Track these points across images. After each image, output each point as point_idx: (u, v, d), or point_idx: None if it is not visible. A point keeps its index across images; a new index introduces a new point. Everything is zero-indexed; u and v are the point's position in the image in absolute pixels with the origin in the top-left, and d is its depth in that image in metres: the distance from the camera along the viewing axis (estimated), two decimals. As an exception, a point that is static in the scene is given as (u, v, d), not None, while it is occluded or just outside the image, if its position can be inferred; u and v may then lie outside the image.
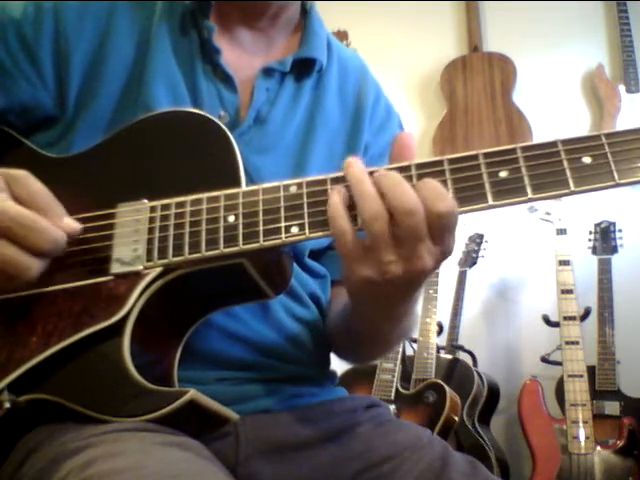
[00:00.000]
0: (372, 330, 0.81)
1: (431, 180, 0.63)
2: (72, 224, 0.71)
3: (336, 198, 0.65)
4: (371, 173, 0.65)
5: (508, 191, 0.63)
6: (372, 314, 0.76)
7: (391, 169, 0.65)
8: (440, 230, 0.62)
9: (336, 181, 0.68)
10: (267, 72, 0.92)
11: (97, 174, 0.80)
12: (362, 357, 1.02)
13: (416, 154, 0.67)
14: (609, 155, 0.62)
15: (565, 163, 0.62)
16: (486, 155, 0.64)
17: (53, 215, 0.69)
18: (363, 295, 0.72)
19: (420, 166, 0.65)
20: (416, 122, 3.00)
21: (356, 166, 0.65)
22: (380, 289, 0.67)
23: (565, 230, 2.44)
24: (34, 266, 0.67)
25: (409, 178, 0.64)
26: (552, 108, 2.86)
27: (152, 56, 0.86)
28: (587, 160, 0.62)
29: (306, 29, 0.97)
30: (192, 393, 0.66)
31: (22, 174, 0.69)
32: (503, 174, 0.63)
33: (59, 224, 0.69)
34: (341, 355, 1.00)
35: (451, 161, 0.65)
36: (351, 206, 0.64)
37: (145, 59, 0.86)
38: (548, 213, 2.46)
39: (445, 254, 0.65)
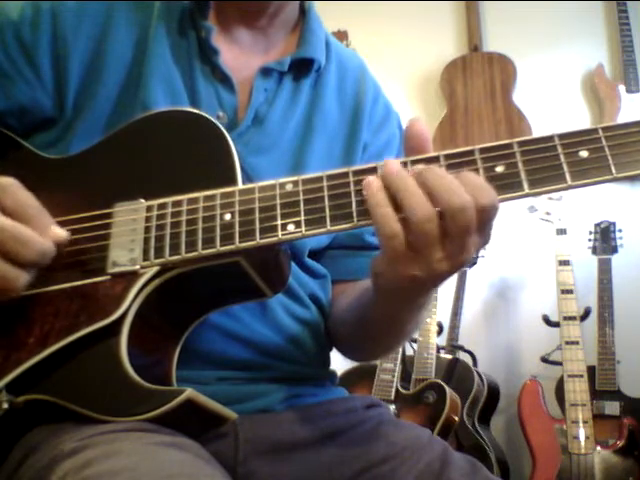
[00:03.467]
0: (393, 325, 0.80)
1: (470, 173, 0.62)
2: (59, 233, 0.70)
3: (380, 198, 0.62)
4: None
5: (505, 186, 0.63)
6: (399, 309, 0.75)
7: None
8: (486, 222, 0.61)
9: (332, 178, 0.68)
10: (265, 72, 0.92)
11: (94, 174, 0.80)
12: (373, 353, 1.01)
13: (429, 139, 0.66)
14: (606, 149, 0.61)
15: (562, 157, 0.62)
16: (482, 150, 0.64)
17: (40, 225, 0.68)
18: (399, 292, 0.70)
19: (416, 162, 0.65)
20: (416, 122, 2.99)
21: (394, 164, 0.63)
22: (422, 285, 0.66)
23: (565, 230, 2.44)
24: (21, 278, 0.67)
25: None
26: (552, 108, 2.86)
27: (150, 56, 0.86)
28: (584, 154, 0.62)
29: (304, 29, 0.97)
30: (189, 392, 0.66)
31: (8, 182, 0.69)
32: (499, 169, 0.63)
33: (46, 234, 0.68)
34: (348, 352, 0.99)
35: (447, 156, 0.65)
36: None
37: (143, 59, 0.86)
38: (548, 213, 2.46)
39: (485, 243, 0.64)
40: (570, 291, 2.34)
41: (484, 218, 0.61)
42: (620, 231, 2.54)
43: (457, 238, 0.61)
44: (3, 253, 0.65)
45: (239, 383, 0.84)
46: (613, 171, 0.61)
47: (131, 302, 0.69)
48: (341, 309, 0.93)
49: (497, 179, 0.63)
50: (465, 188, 0.60)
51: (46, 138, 0.86)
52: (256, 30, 0.94)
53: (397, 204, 0.62)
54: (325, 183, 0.68)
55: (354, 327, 0.89)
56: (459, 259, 0.62)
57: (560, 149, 0.63)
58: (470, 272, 2.65)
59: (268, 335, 0.86)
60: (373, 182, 0.63)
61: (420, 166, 0.63)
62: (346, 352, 0.99)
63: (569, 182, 0.62)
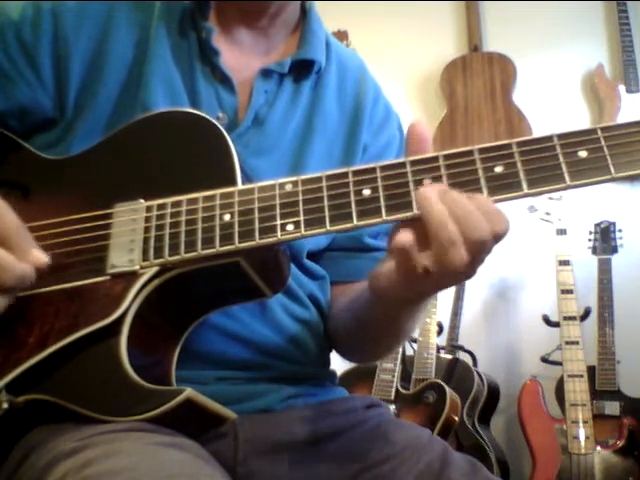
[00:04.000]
0: (392, 326, 0.81)
1: (487, 199, 0.63)
2: (39, 257, 0.68)
3: (441, 207, 0.62)
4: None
5: (504, 186, 0.63)
6: (400, 312, 0.77)
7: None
8: (495, 244, 0.63)
9: (331, 178, 0.68)
10: (266, 73, 0.92)
11: (94, 174, 0.80)
12: (372, 354, 1.01)
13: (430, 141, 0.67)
14: (605, 149, 0.61)
15: (561, 157, 0.62)
16: (481, 150, 0.64)
17: (19, 248, 0.67)
18: (401, 300, 0.72)
19: (415, 162, 0.65)
20: (416, 122, 2.99)
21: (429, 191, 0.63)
22: (426, 295, 0.71)
23: (565, 230, 2.44)
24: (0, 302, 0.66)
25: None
26: (552, 108, 2.86)
27: (151, 57, 0.86)
28: (583, 154, 0.62)
29: (305, 29, 0.97)
30: (188, 392, 0.66)
31: None
32: (498, 169, 0.63)
33: (26, 258, 0.67)
34: (346, 354, 0.99)
35: (446, 157, 0.65)
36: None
37: (144, 60, 0.86)
38: (548, 213, 2.46)
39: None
40: (570, 291, 2.34)
41: (496, 242, 0.63)
42: (620, 231, 2.54)
43: (472, 263, 0.63)
44: None
45: (239, 383, 0.84)
46: (612, 171, 0.61)
47: (131, 302, 0.69)
48: (339, 311, 0.93)
49: (496, 179, 0.63)
50: (485, 216, 0.61)
51: (46, 139, 0.86)
52: (257, 31, 0.94)
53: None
54: (324, 183, 0.68)
55: (352, 328, 0.89)
56: (467, 275, 0.65)
57: (559, 149, 0.63)
58: (470, 272, 2.65)
59: (268, 335, 0.86)
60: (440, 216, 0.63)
61: (449, 194, 0.63)
62: (345, 354, 0.99)
63: (568, 182, 0.62)
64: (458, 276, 0.64)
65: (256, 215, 0.68)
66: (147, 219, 0.72)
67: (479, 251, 0.62)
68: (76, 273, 0.72)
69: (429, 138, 0.67)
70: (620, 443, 2.16)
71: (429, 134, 0.68)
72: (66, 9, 0.86)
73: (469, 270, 0.63)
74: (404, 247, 0.63)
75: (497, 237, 0.62)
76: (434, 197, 0.62)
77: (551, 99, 2.89)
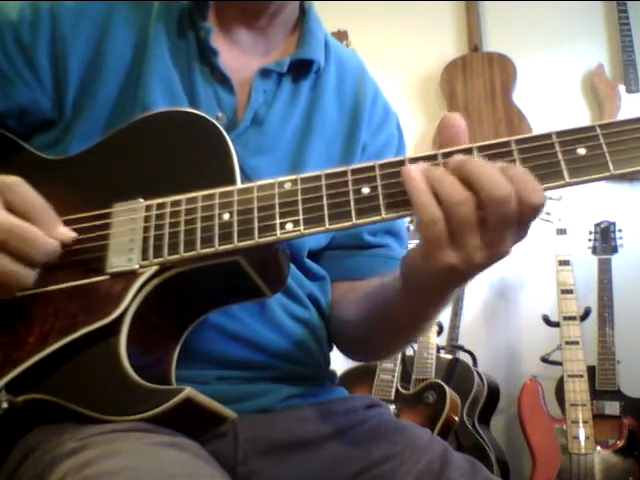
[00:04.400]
0: (416, 320, 0.79)
1: (522, 168, 0.61)
2: (66, 233, 0.71)
3: (419, 184, 0.62)
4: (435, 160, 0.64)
5: None
6: (428, 305, 0.74)
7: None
8: (529, 219, 0.61)
9: (330, 177, 0.68)
10: (264, 73, 0.92)
11: (93, 174, 0.80)
12: (385, 352, 1.00)
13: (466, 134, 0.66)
14: (604, 146, 0.61)
15: (560, 155, 0.62)
16: (480, 148, 0.64)
17: (47, 224, 0.69)
18: (433, 286, 0.69)
19: (414, 160, 0.65)
20: (416, 122, 3.00)
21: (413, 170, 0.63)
22: (458, 276, 0.66)
23: (565, 230, 2.44)
24: (28, 276, 0.68)
25: None
26: (552, 108, 2.87)
27: (149, 57, 0.86)
28: (582, 151, 0.62)
29: (304, 29, 0.97)
30: (188, 391, 0.66)
31: (15, 181, 0.69)
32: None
33: (52, 233, 0.69)
34: (355, 353, 0.99)
35: (446, 155, 0.65)
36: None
37: (142, 60, 0.86)
38: (548, 213, 2.46)
39: (522, 238, 0.64)
40: (570, 291, 2.34)
41: (529, 215, 0.60)
42: (620, 231, 2.54)
43: (495, 228, 0.60)
44: (11, 252, 0.66)
45: (238, 383, 0.84)
46: (611, 168, 0.61)
47: (130, 301, 0.69)
48: (352, 311, 0.92)
49: None
50: (512, 180, 0.59)
51: (46, 139, 0.86)
52: (256, 31, 0.94)
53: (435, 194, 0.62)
54: (323, 182, 0.68)
55: (370, 328, 0.87)
56: (497, 250, 0.62)
57: (558, 146, 0.63)
58: (470, 272, 2.65)
59: (267, 335, 0.86)
60: (412, 170, 0.63)
61: (459, 156, 0.63)
62: (352, 353, 0.99)
63: (567, 179, 0.62)
64: (488, 250, 0.61)
65: (255, 214, 0.68)
66: (146, 218, 0.72)
67: (502, 215, 0.59)
68: (75, 273, 0.72)
69: (465, 129, 0.66)
70: (620, 443, 2.16)
71: (464, 124, 0.66)
72: (64, 9, 0.86)
73: (495, 242, 0.61)
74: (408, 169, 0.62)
75: (525, 205, 0.59)
76: (414, 169, 0.62)
77: (551, 99, 2.90)
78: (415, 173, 0.62)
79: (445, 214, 0.61)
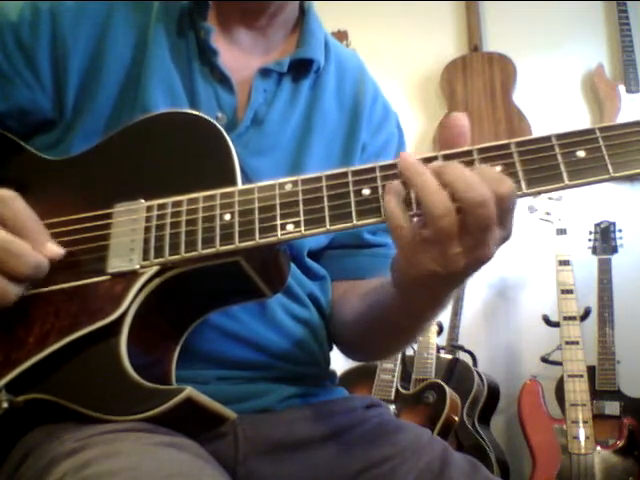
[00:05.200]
0: (415, 321, 0.79)
1: (486, 166, 0.61)
2: (55, 249, 0.70)
3: (391, 197, 0.62)
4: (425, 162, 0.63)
5: None
6: (423, 307, 0.74)
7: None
8: (505, 214, 0.61)
9: (331, 178, 0.68)
10: (264, 73, 0.92)
11: (94, 175, 0.80)
12: (384, 352, 1.01)
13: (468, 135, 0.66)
14: (603, 149, 0.62)
15: (559, 157, 0.62)
16: (480, 150, 0.64)
17: (36, 240, 0.69)
18: (419, 289, 0.69)
19: None
20: (416, 122, 3.00)
21: (411, 158, 0.63)
22: (442, 281, 0.65)
23: (565, 230, 2.44)
24: (12, 292, 0.67)
25: None
26: (552, 108, 2.86)
27: (149, 57, 0.86)
28: (581, 154, 0.62)
29: (304, 29, 0.97)
30: (189, 391, 0.66)
31: (9, 195, 0.69)
32: (497, 169, 0.63)
33: (41, 250, 0.69)
34: (354, 353, 0.99)
35: (446, 157, 0.65)
36: (406, 199, 0.63)
37: (142, 60, 0.86)
38: (548, 213, 2.46)
39: (506, 239, 0.63)
40: (570, 291, 2.34)
41: (504, 209, 0.60)
42: (620, 231, 2.54)
43: (477, 233, 0.60)
44: None
45: (239, 383, 0.84)
46: (610, 171, 0.61)
47: (131, 302, 0.69)
48: (348, 310, 0.92)
49: None
50: (484, 182, 0.59)
51: (46, 140, 0.86)
52: (256, 30, 0.94)
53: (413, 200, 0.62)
54: (324, 183, 0.68)
55: (369, 328, 0.87)
56: (478, 254, 0.61)
57: (557, 149, 0.63)
58: (470, 272, 2.65)
59: (267, 335, 0.86)
60: (392, 185, 0.63)
61: (438, 163, 0.63)
62: (352, 352, 0.99)
63: (566, 182, 0.62)
64: (469, 255, 0.61)
65: (256, 215, 0.68)
66: (147, 219, 0.72)
67: (483, 218, 0.59)
68: (76, 273, 0.72)
69: (468, 129, 0.66)
70: (620, 443, 2.16)
71: (467, 124, 0.66)
72: (64, 9, 0.86)
73: (475, 246, 0.61)
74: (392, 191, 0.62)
75: (502, 201, 0.59)
76: (419, 164, 0.62)
77: (551, 99, 2.89)
78: (393, 187, 0.63)
79: (421, 223, 0.61)
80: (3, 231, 0.67)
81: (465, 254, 0.61)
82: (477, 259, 0.62)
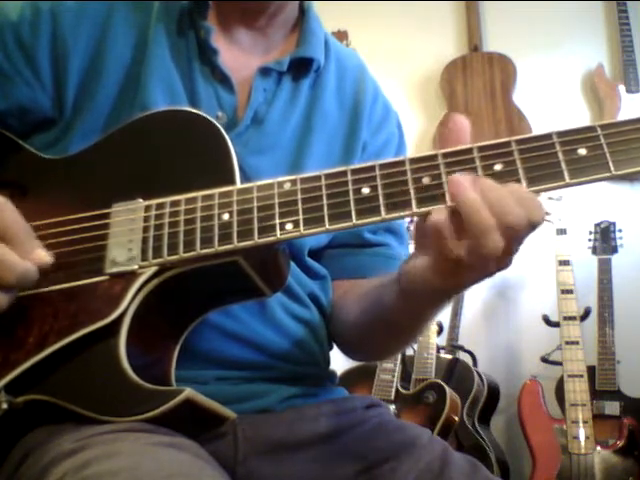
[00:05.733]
0: (416, 321, 0.79)
1: (520, 186, 0.62)
2: (42, 256, 0.69)
3: (446, 226, 0.62)
4: None
5: (503, 184, 0.63)
6: (427, 307, 0.75)
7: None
8: (529, 233, 0.62)
9: (330, 177, 0.68)
10: (264, 72, 0.91)
11: (93, 174, 0.80)
12: (384, 352, 1.01)
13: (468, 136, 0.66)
14: (605, 146, 0.61)
15: (560, 155, 0.62)
16: (481, 148, 0.64)
17: (25, 247, 0.68)
18: (433, 294, 0.70)
19: (414, 161, 0.65)
20: (416, 122, 3.00)
21: (462, 184, 0.62)
22: (460, 289, 0.68)
23: (565, 230, 2.44)
24: (2, 300, 0.67)
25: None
26: (552, 108, 2.86)
27: (149, 57, 0.86)
28: (583, 152, 0.62)
29: (304, 29, 0.97)
30: (188, 392, 0.66)
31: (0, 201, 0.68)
32: (498, 167, 0.63)
33: (30, 257, 0.68)
34: (355, 353, 0.99)
35: (446, 155, 0.65)
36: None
37: (143, 60, 0.86)
38: (548, 213, 2.46)
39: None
40: (570, 291, 2.34)
41: (531, 229, 0.61)
42: (620, 231, 2.54)
43: (510, 244, 0.62)
44: None
45: (238, 383, 0.84)
46: (611, 168, 0.61)
47: (130, 302, 0.69)
48: (351, 310, 0.92)
49: (495, 177, 0.63)
50: (521, 203, 0.60)
51: (46, 138, 0.86)
52: (256, 30, 0.94)
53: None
54: (323, 182, 0.67)
55: (367, 327, 0.87)
56: (501, 265, 0.64)
57: (558, 147, 0.63)
58: (470, 272, 2.65)
59: (267, 334, 0.86)
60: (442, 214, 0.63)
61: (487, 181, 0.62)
62: (352, 352, 0.99)
63: (567, 180, 0.62)
64: (492, 265, 0.63)
65: (255, 214, 0.68)
66: (146, 219, 0.72)
67: (514, 237, 0.60)
68: (75, 273, 0.72)
69: (468, 131, 0.67)
70: (620, 443, 2.16)
71: (468, 126, 0.67)
72: (65, 9, 0.86)
73: (504, 259, 0.62)
74: (436, 226, 0.62)
75: (532, 224, 0.60)
76: (467, 183, 0.61)
77: (551, 99, 2.89)
78: (444, 219, 0.62)
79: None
80: None
81: (497, 261, 0.63)
82: (500, 268, 0.64)
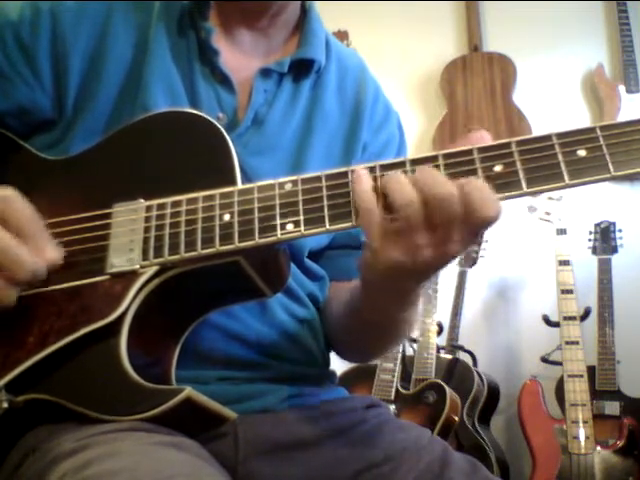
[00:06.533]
0: (385, 320, 0.80)
1: (477, 181, 0.62)
2: (54, 254, 0.70)
3: (364, 184, 0.65)
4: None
5: (503, 185, 0.63)
6: (388, 302, 0.75)
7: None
8: (478, 226, 0.62)
9: (331, 177, 0.68)
10: (265, 73, 0.91)
11: (94, 175, 0.80)
12: (368, 353, 1.01)
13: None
14: (604, 147, 0.62)
15: (560, 156, 0.62)
16: (481, 150, 0.64)
17: (36, 244, 0.69)
18: (385, 282, 0.70)
19: (414, 162, 0.65)
20: (416, 122, 3.00)
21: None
22: (406, 274, 0.66)
23: (565, 230, 2.44)
24: (7, 295, 0.68)
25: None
26: (552, 108, 2.86)
27: (150, 57, 0.86)
28: (582, 153, 0.62)
29: (305, 29, 0.97)
30: (188, 391, 0.66)
31: (11, 195, 0.69)
32: (498, 168, 0.63)
33: (41, 255, 0.69)
34: (343, 353, 0.99)
35: (446, 156, 0.65)
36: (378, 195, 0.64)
37: (143, 60, 0.86)
38: (548, 213, 2.46)
39: (475, 241, 0.65)
40: (570, 291, 2.34)
41: (475, 221, 0.61)
42: (620, 231, 2.54)
43: (441, 227, 0.61)
44: None
45: (239, 383, 0.84)
46: (611, 170, 0.61)
47: (130, 302, 0.69)
48: (335, 309, 0.93)
49: (495, 178, 0.63)
50: (451, 181, 0.61)
51: (46, 139, 0.86)
52: (257, 31, 0.94)
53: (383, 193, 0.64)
54: (324, 183, 0.68)
55: (348, 327, 0.88)
56: (444, 249, 0.63)
57: (558, 148, 0.63)
58: (470, 272, 2.65)
59: (268, 334, 0.86)
60: (362, 175, 0.65)
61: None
62: (342, 353, 0.99)
63: (567, 181, 0.62)
64: (435, 248, 0.63)
65: (256, 215, 0.68)
66: (147, 219, 0.72)
67: (446, 213, 0.60)
68: (76, 273, 0.72)
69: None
70: (620, 443, 2.16)
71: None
72: (65, 9, 0.86)
73: (442, 240, 0.62)
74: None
75: (471, 214, 0.60)
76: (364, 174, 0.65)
77: (551, 99, 2.89)
78: (364, 179, 0.65)
79: (388, 212, 0.63)
80: (5, 233, 0.67)
81: (431, 247, 0.62)
82: (443, 254, 0.63)
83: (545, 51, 2.96)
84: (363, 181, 0.65)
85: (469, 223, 0.61)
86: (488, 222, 0.61)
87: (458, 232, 0.62)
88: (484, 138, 0.67)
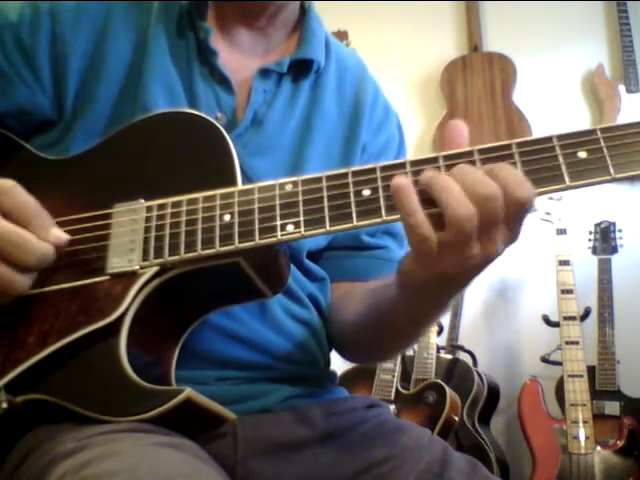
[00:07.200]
0: (415, 324, 0.79)
1: (507, 165, 0.61)
2: (60, 236, 0.70)
3: (413, 204, 0.61)
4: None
5: None
6: (425, 308, 0.74)
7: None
8: (516, 215, 0.61)
9: (331, 178, 0.68)
10: (264, 73, 0.91)
11: (94, 175, 0.80)
12: (387, 355, 1.00)
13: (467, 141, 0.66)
14: (605, 149, 0.62)
15: (560, 158, 0.62)
16: (481, 151, 0.64)
17: (40, 228, 0.69)
18: (427, 290, 0.69)
19: (415, 163, 0.65)
20: (416, 122, 3.00)
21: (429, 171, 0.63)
22: (451, 282, 0.66)
23: (565, 230, 2.44)
24: (21, 281, 0.68)
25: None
26: (552, 108, 2.87)
27: (149, 58, 0.86)
28: (583, 155, 0.62)
29: (304, 29, 0.97)
30: (188, 392, 0.66)
31: (9, 185, 0.69)
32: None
33: (46, 237, 0.69)
34: (354, 353, 0.99)
35: (446, 157, 0.65)
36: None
37: (142, 61, 0.86)
38: (548, 213, 2.47)
39: (514, 239, 0.63)
40: (570, 291, 2.34)
41: (516, 211, 0.60)
42: (620, 231, 2.54)
43: (486, 229, 0.60)
44: (4, 258, 0.66)
45: (238, 383, 0.84)
46: (612, 172, 0.61)
47: (130, 302, 0.69)
48: (349, 312, 0.91)
49: None
50: (496, 179, 0.60)
51: (46, 139, 0.86)
52: (256, 31, 0.94)
53: (432, 202, 0.61)
54: (324, 184, 0.68)
55: (367, 328, 0.87)
56: (487, 252, 0.62)
57: (559, 150, 0.63)
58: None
59: (267, 335, 0.86)
60: (405, 184, 0.62)
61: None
62: (353, 355, 0.99)
63: (568, 183, 0.62)
64: (475, 249, 0.61)
65: (256, 215, 0.68)
66: (147, 219, 0.72)
67: (490, 212, 0.59)
68: (76, 273, 0.72)
69: (466, 136, 0.66)
70: (620, 443, 2.16)
71: (467, 133, 0.66)
72: (64, 9, 0.86)
73: (488, 244, 0.61)
74: (400, 186, 0.61)
75: (512, 200, 0.59)
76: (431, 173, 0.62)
77: (551, 99, 2.89)
78: (408, 190, 0.62)
79: (440, 227, 0.61)
80: (6, 221, 0.67)
81: (480, 253, 0.61)
82: (486, 257, 0.62)
83: (545, 51, 2.96)
84: (408, 190, 0.61)
85: (509, 211, 0.60)
86: (525, 204, 0.60)
87: (500, 231, 0.61)
88: (460, 129, 0.66)
